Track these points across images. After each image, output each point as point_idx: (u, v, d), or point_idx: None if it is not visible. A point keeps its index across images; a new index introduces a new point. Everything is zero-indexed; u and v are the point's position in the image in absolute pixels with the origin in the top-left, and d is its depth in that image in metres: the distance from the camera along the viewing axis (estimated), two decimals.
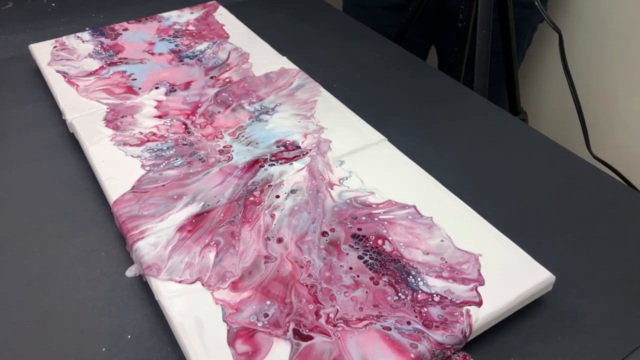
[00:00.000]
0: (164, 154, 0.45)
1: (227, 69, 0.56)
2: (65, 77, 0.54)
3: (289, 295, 0.34)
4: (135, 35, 0.62)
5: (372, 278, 0.35)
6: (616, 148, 0.93)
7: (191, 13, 0.67)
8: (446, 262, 0.36)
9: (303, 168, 0.44)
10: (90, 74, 0.55)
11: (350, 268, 0.36)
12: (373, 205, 0.40)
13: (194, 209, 0.40)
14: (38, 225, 0.42)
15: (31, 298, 0.36)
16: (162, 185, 0.42)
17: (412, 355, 0.31)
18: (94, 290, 0.37)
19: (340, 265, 0.36)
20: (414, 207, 0.40)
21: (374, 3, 0.87)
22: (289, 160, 0.45)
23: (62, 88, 0.53)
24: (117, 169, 0.44)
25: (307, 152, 0.45)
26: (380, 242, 0.38)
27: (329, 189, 0.42)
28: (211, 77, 0.55)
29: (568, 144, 0.51)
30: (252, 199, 0.41)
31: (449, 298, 0.34)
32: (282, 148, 0.46)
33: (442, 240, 0.38)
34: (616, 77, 0.89)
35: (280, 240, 0.38)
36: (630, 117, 0.90)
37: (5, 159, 0.48)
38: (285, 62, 0.57)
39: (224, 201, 0.41)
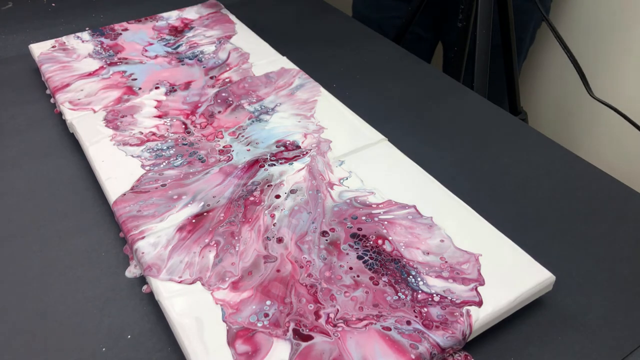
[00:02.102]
0: (164, 153, 0.45)
1: (227, 69, 0.56)
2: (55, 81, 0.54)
3: (289, 295, 0.34)
4: (135, 36, 0.62)
5: (372, 278, 0.35)
6: (615, 90, 0.91)
7: (192, 12, 0.67)
8: (446, 262, 0.36)
9: (303, 168, 0.44)
10: (90, 74, 0.55)
11: (351, 268, 0.36)
12: (373, 205, 0.40)
13: (194, 209, 0.40)
14: (38, 225, 0.42)
15: (31, 298, 0.36)
16: (162, 185, 0.42)
17: (412, 356, 0.31)
18: (94, 290, 0.37)
19: (340, 265, 0.36)
20: (414, 207, 0.40)
21: None
22: (289, 160, 0.45)
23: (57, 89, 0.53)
24: (117, 169, 0.44)
25: (307, 152, 0.45)
26: (380, 242, 0.38)
27: (329, 189, 0.42)
28: (211, 77, 0.55)
29: (568, 144, 0.51)
30: (252, 199, 0.41)
31: (449, 298, 0.34)
32: (282, 148, 0.46)
33: (442, 240, 0.38)
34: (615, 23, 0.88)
35: (280, 240, 0.38)
36: (629, 59, 0.88)
37: (5, 159, 0.48)
38: (285, 62, 0.57)
39: (224, 201, 0.41)
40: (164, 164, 0.44)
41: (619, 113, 0.71)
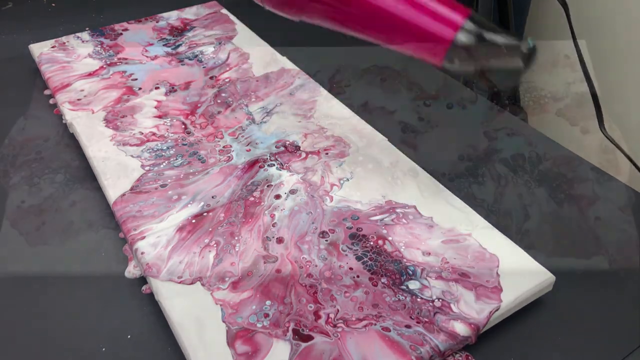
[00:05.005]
0: (164, 154, 0.45)
1: (227, 69, 0.56)
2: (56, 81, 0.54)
3: (289, 296, 0.34)
4: (135, 36, 0.62)
5: (371, 279, 0.35)
6: (626, 130, 0.92)
7: (192, 13, 0.67)
8: (447, 262, 0.36)
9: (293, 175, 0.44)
10: (90, 74, 0.55)
11: (351, 268, 0.36)
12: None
13: (194, 209, 0.40)
14: (38, 225, 0.42)
15: (31, 298, 0.36)
16: (162, 186, 0.42)
17: (413, 357, 0.31)
18: (94, 290, 0.37)
19: (340, 266, 0.36)
20: (414, 207, 0.40)
21: None
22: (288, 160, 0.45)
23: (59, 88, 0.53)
24: (117, 169, 0.44)
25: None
26: (380, 242, 0.38)
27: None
28: (211, 77, 0.55)
29: (568, 143, 0.51)
30: (252, 199, 0.41)
31: (449, 299, 0.34)
32: (282, 148, 0.46)
33: (442, 241, 0.38)
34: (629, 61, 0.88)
35: (280, 241, 0.38)
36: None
37: (5, 159, 0.48)
38: (285, 63, 0.57)
39: (224, 201, 0.41)
40: (164, 164, 0.44)
41: (625, 155, 0.71)
